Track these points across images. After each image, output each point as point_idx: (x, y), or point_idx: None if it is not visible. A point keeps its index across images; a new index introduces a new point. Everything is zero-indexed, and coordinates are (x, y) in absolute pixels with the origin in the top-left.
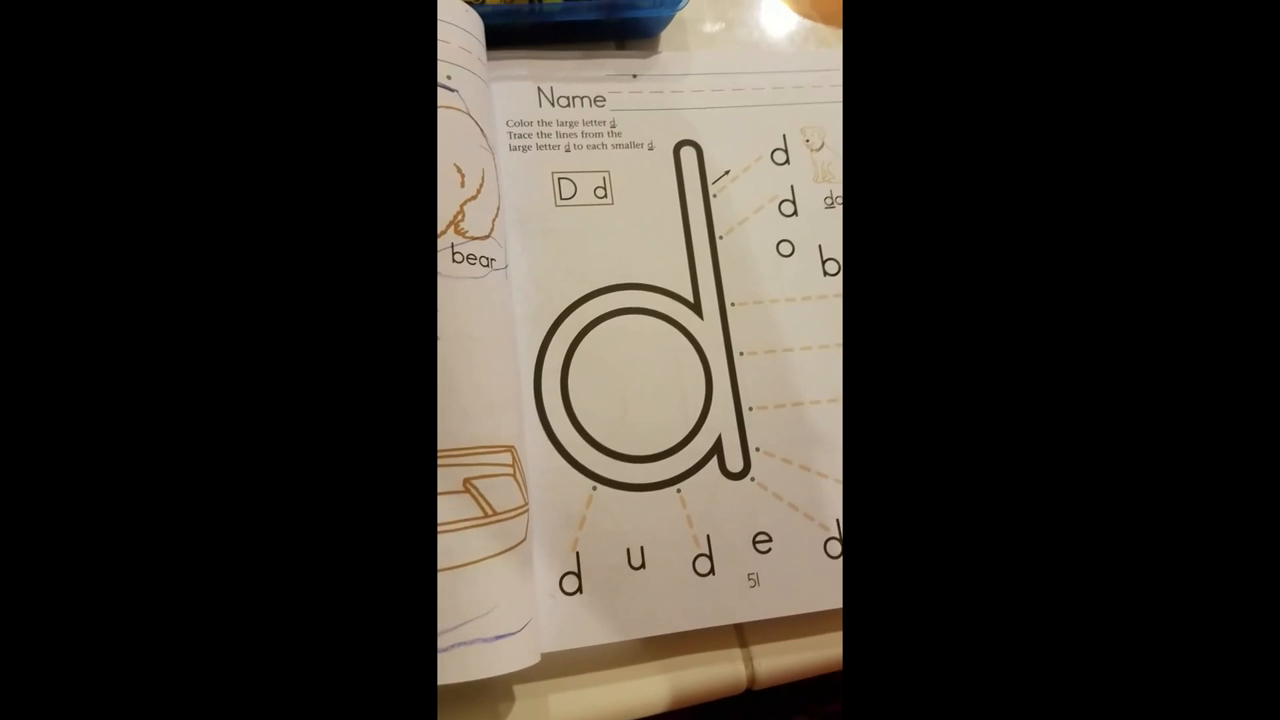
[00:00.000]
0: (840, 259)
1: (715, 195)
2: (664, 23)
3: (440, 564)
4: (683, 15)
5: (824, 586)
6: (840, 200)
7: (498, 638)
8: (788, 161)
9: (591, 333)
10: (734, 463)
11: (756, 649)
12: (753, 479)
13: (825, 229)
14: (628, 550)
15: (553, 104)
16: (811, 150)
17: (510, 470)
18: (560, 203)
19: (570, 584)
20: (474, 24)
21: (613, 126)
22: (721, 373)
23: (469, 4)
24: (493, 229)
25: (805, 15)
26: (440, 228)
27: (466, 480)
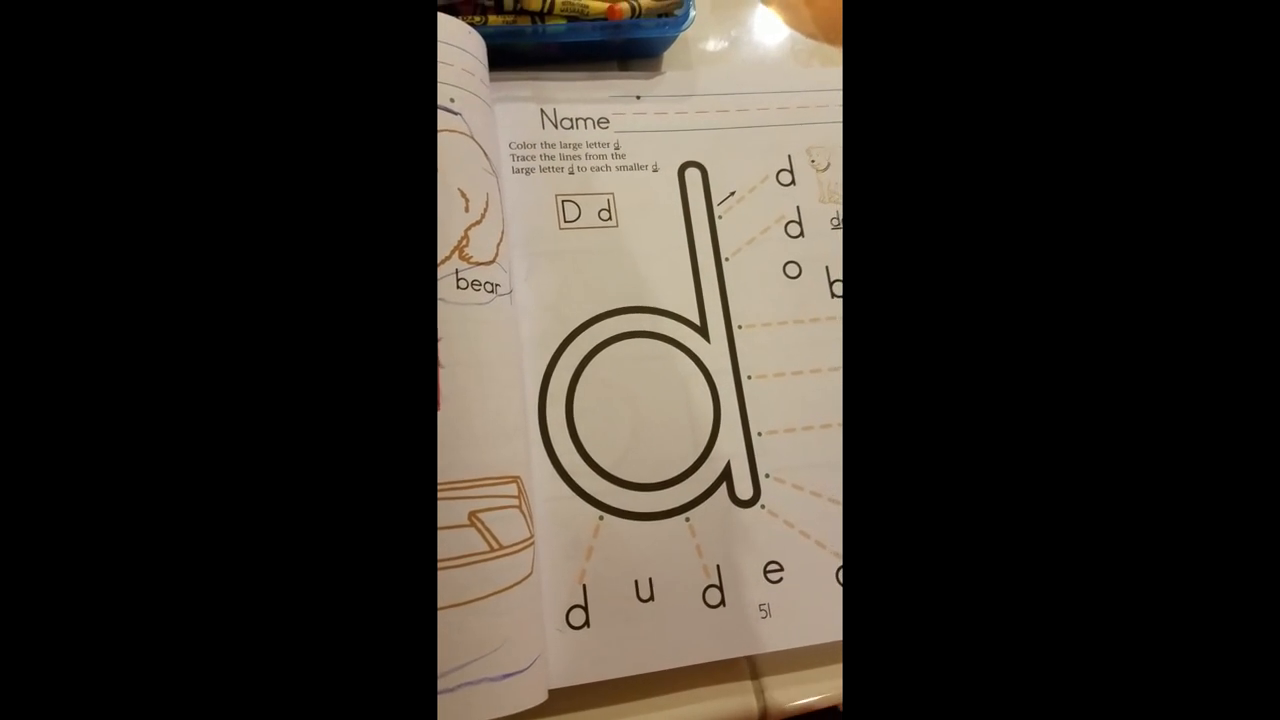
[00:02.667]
0: None
1: (721, 217)
2: (668, 43)
3: (446, 601)
4: (686, 35)
5: (837, 616)
6: None
7: (505, 676)
8: (794, 182)
9: (597, 357)
10: (743, 490)
11: (769, 680)
12: (763, 506)
13: (833, 250)
14: (636, 581)
15: (556, 126)
16: (817, 170)
17: (516, 502)
18: (564, 226)
19: (577, 617)
20: (476, 45)
21: (616, 148)
22: (729, 397)
23: (471, 25)
24: (497, 254)
25: (810, 34)
26: (444, 254)
27: (472, 513)
